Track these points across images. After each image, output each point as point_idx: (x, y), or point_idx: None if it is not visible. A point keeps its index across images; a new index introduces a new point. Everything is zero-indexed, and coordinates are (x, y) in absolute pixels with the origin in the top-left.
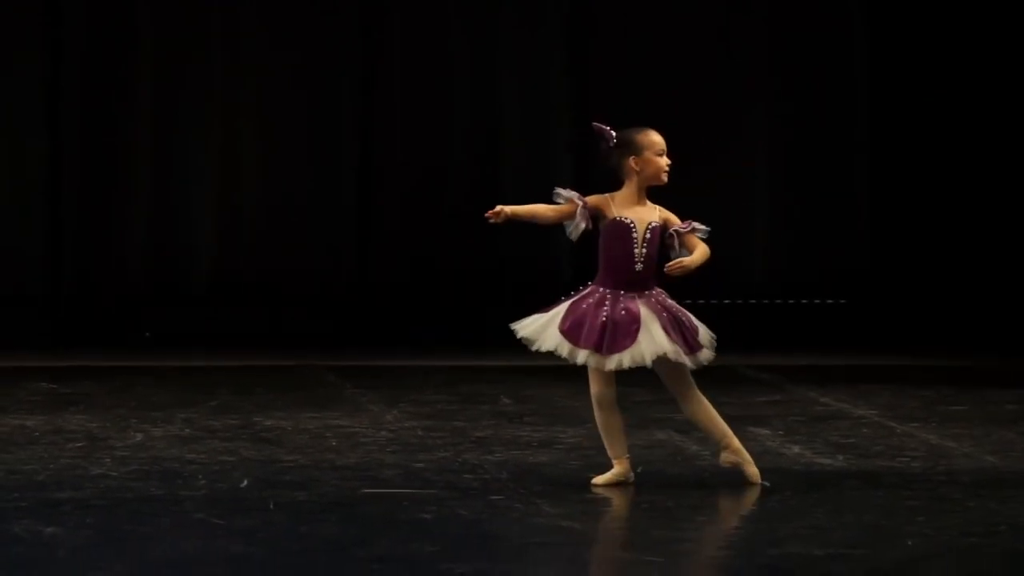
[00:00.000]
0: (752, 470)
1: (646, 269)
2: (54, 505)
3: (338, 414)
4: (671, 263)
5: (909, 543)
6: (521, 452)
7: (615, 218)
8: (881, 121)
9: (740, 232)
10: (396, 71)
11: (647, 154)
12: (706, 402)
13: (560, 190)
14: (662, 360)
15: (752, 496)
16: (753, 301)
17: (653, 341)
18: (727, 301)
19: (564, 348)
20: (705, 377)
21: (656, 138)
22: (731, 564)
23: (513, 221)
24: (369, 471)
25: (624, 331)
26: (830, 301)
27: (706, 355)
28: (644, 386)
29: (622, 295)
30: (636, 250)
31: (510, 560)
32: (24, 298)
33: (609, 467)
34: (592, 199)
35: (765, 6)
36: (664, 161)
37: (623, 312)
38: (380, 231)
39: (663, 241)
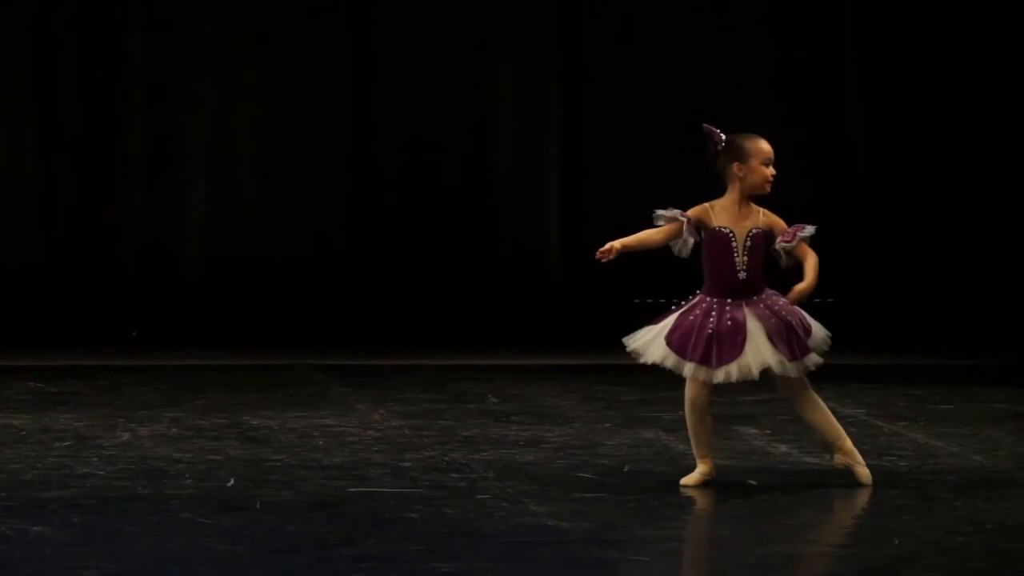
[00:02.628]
0: (864, 471)
1: (750, 277)
2: (41, 504)
3: (325, 413)
4: (790, 297)
5: (896, 542)
6: (508, 451)
7: (715, 228)
8: (876, 119)
9: None
10: (390, 65)
11: (753, 162)
12: (821, 403)
13: (661, 211)
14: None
15: (738, 495)
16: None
17: (759, 353)
18: None
19: (670, 360)
20: None
21: (765, 146)
22: (718, 563)
23: (625, 254)
24: (356, 470)
25: (730, 343)
26: (818, 300)
27: (813, 360)
28: (631, 385)
29: (728, 304)
30: (737, 259)
31: (496, 559)
32: (12, 295)
33: (692, 467)
34: (693, 212)
35: (761, 10)
36: (770, 171)
37: (729, 323)
38: (373, 229)
39: (769, 248)
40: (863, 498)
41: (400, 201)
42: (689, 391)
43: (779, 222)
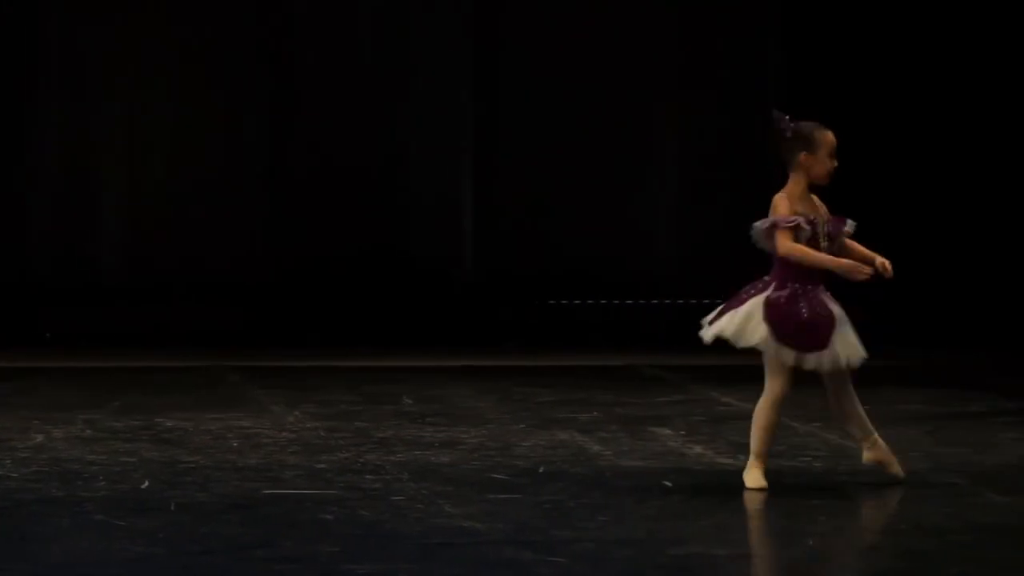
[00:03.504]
0: (896, 469)
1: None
2: None
3: (240, 415)
4: (888, 269)
5: (810, 543)
6: (423, 452)
7: (809, 217)
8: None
9: (644, 231)
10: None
11: (821, 152)
12: (856, 399)
13: (786, 221)
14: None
15: (653, 496)
16: (655, 301)
17: (848, 344)
18: (629, 301)
19: (771, 345)
20: (607, 378)
21: (832, 138)
22: (633, 564)
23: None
24: (271, 472)
25: (825, 332)
26: None
27: (708, 332)
28: (547, 387)
29: (809, 289)
30: (822, 245)
31: (411, 561)
32: None
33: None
34: (785, 208)
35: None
36: (833, 164)
37: (819, 311)
38: (289, 230)
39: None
40: (777, 499)
41: (315, 202)
42: (776, 387)
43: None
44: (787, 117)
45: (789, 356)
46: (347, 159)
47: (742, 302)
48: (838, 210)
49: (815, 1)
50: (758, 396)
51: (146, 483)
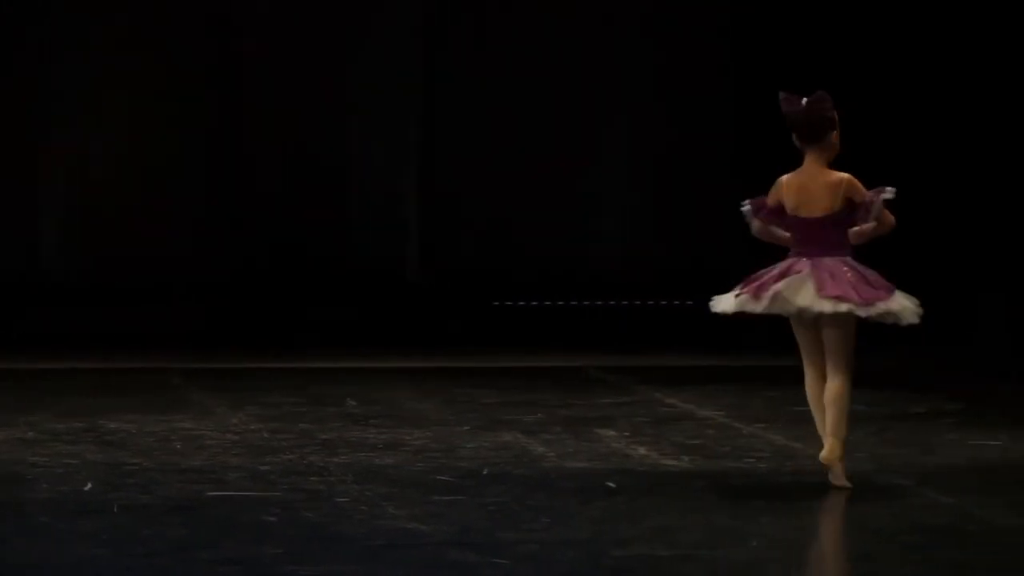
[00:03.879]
0: (839, 478)
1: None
2: None
3: (183, 416)
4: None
5: (754, 543)
6: (367, 454)
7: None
8: (745, 123)
9: (591, 233)
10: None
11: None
12: (848, 395)
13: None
14: (813, 314)
15: (597, 498)
16: (601, 303)
17: (791, 288)
18: (575, 303)
19: (730, 304)
20: (552, 379)
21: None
22: (576, 566)
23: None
24: (214, 473)
25: (778, 278)
26: (677, 302)
27: (880, 308)
28: (491, 388)
29: (804, 259)
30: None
31: (355, 562)
32: None
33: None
34: (771, 198)
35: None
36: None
37: (793, 265)
38: (231, 232)
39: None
40: (722, 501)
41: (259, 202)
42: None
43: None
44: (798, 97)
45: (730, 301)
46: (293, 159)
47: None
48: None
49: (765, 5)
50: (702, 398)
51: (89, 485)
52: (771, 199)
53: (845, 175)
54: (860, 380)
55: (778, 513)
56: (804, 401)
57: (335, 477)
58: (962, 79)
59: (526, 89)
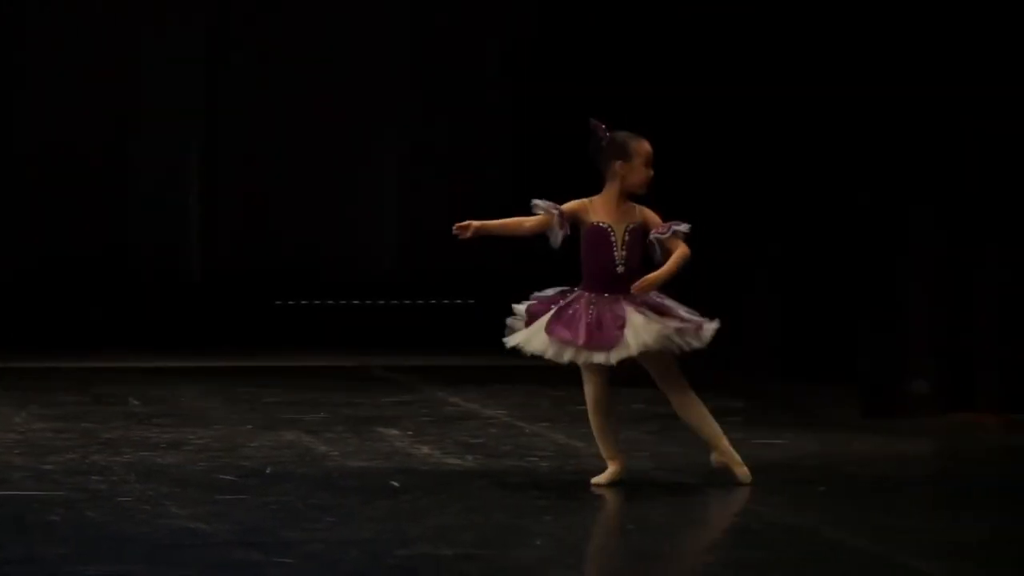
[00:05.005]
0: (742, 471)
1: (627, 271)
2: None
3: None
4: (637, 284)
5: (538, 543)
6: (150, 453)
7: (593, 224)
8: (522, 123)
9: (372, 230)
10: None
11: (636, 161)
12: (699, 402)
13: (537, 201)
14: (649, 353)
15: (381, 497)
16: (382, 302)
17: (637, 334)
18: (357, 301)
19: (551, 349)
20: (335, 378)
21: (647, 147)
22: (360, 565)
23: (483, 236)
24: None
25: (610, 328)
26: (459, 301)
27: (709, 329)
28: (274, 387)
29: (607, 297)
30: (616, 254)
31: (139, 562)
32: None
33: (603, 468)
34: (569, 206)
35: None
36: (649, 173)
37: (608, 313)
38: (11, 230)
39: (645, 242)
40: (505, 499)
41: (39, 201)
42: (589, 391)
43: (655, 217)
44: (603, 126)
45: (571, 354)
46: (70, 155)
47: (542, 314)
48: None
49: (536, 4)
50: (486, 397)
51: None
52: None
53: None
54: (642, 379)
55: (561, 512)
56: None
57: (118, 476)
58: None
59: (304, 93)
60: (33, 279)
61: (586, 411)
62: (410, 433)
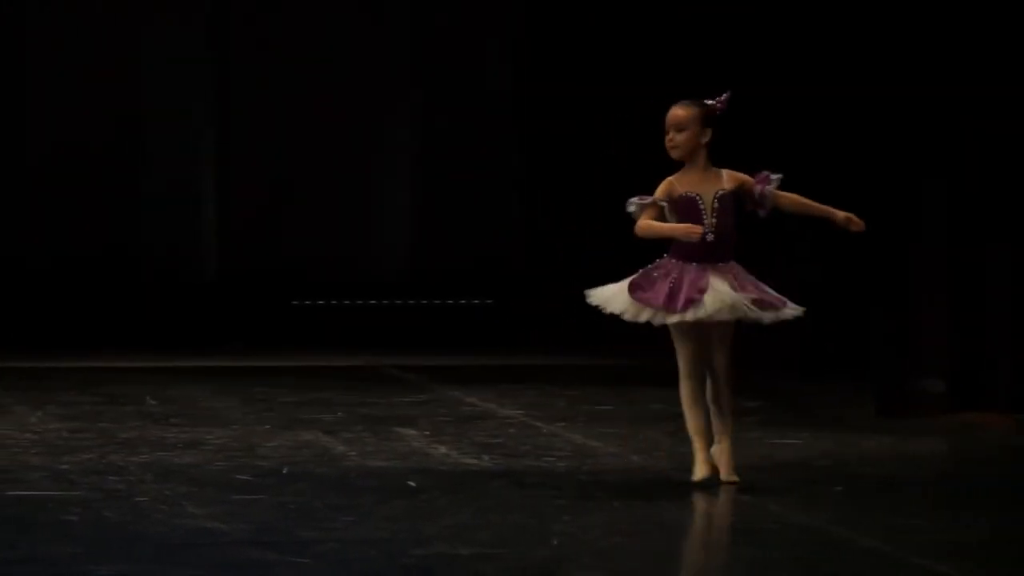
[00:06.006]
0: (726, 475)
1: (718, 239)
2: None
3: None
4: (853, 225)
5: (555, 543)
6: (166, 453)
7: (681, 194)
8: (531, 120)
9: (384, 231)
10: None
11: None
12: (730, 395)
13: (631, 200)
14: (719, 321)
15: (397, 496)
16: (399, 301)
17: (716, 296)
18: (372, 301)
19: (630, 310)
20: (351, 378)
21: (667, 114)
22: (376, 565)
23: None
24: (13, 473)
25: (689, 291)
26: (476, 301)
27: (787, 311)
28: (290, 387)
29: (694, 266)
30: (706, 221)
31: (155, 561)
32: None
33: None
34: (660, 190)
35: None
36: (667, 139)
37: (692, 276)
38: (26, 227)
39: (743, 205)
40: (522, 499)
41: (53, 200)
42: (679, 357)
43: (743, 176)
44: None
45: (649, 314)
46: (82, 155)
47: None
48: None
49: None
50: (501, 397)
51: None
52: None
53: None
54: (660, 378)
55: (578, 512)
56: (604, 400)
57: (135, 476)
58: None
59: (315, 92)
60: (45, 279)
61: (602, 410)
62: (427, 433)
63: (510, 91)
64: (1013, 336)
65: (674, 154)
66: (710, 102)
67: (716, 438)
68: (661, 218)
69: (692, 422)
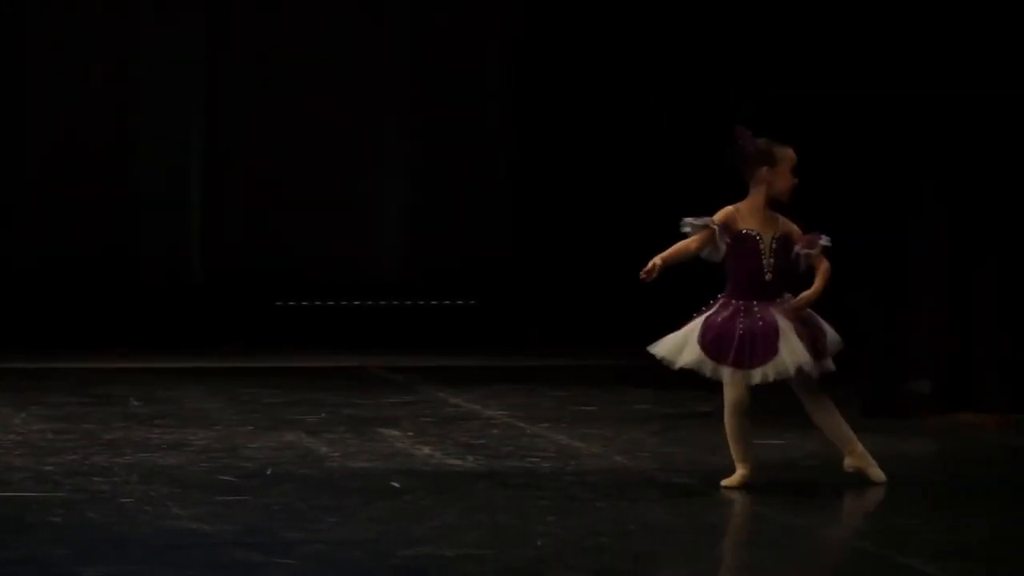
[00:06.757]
0: (875, 472)
1: (775, 279)
2: None
3: None
4: (792, 304)
5: (539, 543)
6: (151, 454)
7: (742, 231)
8: (518, 127)
9: (373, 233)
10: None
11: (782, 167)
12: (832, 407)
13: (688, 219)
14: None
15: (382, 498)
16: (383, 302)
17: (793, 352)
18: (358, 302)
19: (707, 366)
20: (335, 379)
21: (792, 154)
22: (363, 566)
23: (667, 267)
24: None
25: (763, 343)
26: (460, 302)
27: (828, 365)
28: (275, 388)
29: (755, 305)
30: (764, 261)
31: (140, 562)
32: None
33: (732, 470)
34: (720, 216)
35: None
36: (794, 180)
37: (760, 323)
38: (13, 229)
39: (788, 253)
40: (506, 500)
41: (42, 201)
42: (730, 394)
43: (797, 229)
44: (749, 132)
45: (729, 374)
46: (71, 156)
47: (688, 322)
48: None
49: (539, 6)
50: (486, 398)
51: None
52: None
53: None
54: (648, 379)
55: (563, 512)
56: (589, 401)
57: (119, 477)
58: None
59: (305, 93)
60: (33, 279)
61: (586, 411)
62: (411, 434)
63: (502, 93)
64: (1001, 337)
65: (788, 197)
66: None
67: (844, 452)
68: (707, 242)
69: (739, 453)
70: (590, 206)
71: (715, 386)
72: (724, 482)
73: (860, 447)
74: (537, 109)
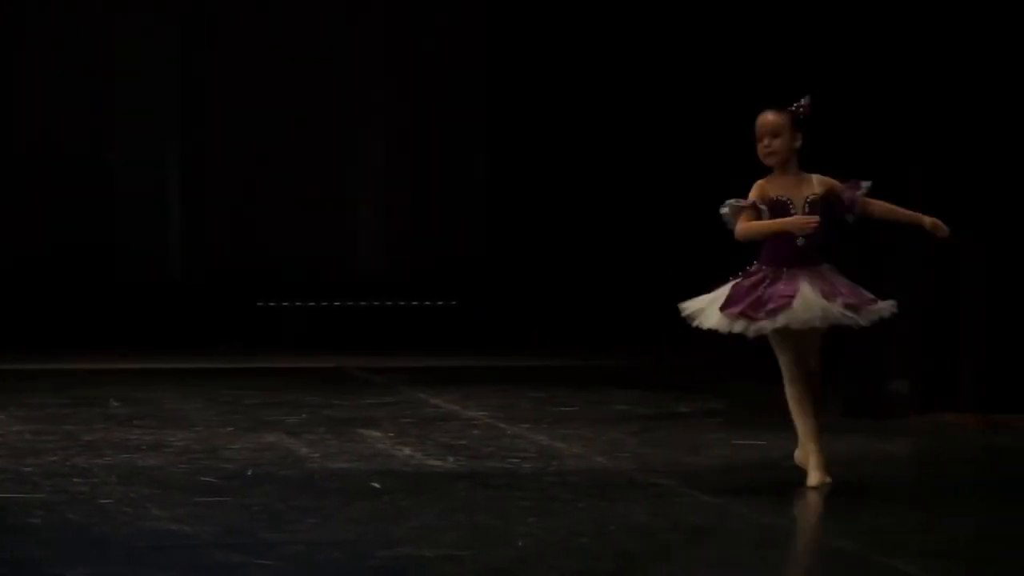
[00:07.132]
0: (817, 476)
1: (808, 244)
2: None
3: None
4: (936, 222)
5: (520, 544)
6: (131, 455)
7: (772, 198)
8: (494, 128)
9: (351, 234)
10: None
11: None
12: (811, 397)
13: (728, 202)
14: (814, 326)
15: (362, 498)
16: (364, 303)
17: (807, 304)
18: (338, 303)
19: (723, 323)
20: (316, 379)
21: (759, 121)
22: (343, 567)
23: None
24: None
25: (778, 298)
26: (441, 303)
27: (882, 308)
28: (254, 389)
29: (784, 272)
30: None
31: (120, 564)
32: None
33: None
34: (753, 193)
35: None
36: (761, 145)
37: (782, 284)
38: None
39: (832, 210)
40: (487, 501)
41: (19, 201)
42: (782, 361)
43: (835, 183)
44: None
45: (744, 327)
46: (49, 156)
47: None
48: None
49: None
50: (467, 398)
51: None
52: None
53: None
54: (625, 380)
55: (543, 513)
56: (569, 401)
57: (99, 479)
58: None
59: (286, 93)
60: (11, 280)
61: (567, 411)
62: (391, 434)
63: (481, 96)
64: (981, 336)
65: (770, 160)
66: (794, 107)
67: (800, 443)
68: (758, 219)
69: (803, 426)
70: (569, 207)
71: (693, 386)
72: (808, 483)
73: (815, 446)
74: (515, 113)
